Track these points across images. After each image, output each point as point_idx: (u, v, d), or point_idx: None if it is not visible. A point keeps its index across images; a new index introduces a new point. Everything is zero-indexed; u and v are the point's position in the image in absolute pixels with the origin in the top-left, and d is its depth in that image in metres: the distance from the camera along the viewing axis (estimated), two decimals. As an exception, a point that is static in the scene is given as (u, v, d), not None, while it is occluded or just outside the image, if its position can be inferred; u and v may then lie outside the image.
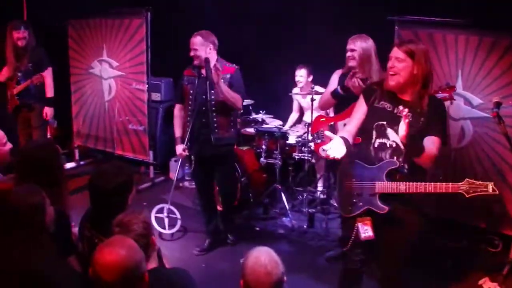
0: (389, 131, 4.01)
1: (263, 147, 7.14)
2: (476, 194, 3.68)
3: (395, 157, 4.00)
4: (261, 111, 7.75)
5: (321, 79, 7.02)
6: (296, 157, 7.00)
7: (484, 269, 5.57)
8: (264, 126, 7.48)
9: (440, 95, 4.95)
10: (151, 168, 8.39)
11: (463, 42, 5.89)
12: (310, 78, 7.41)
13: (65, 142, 9.10)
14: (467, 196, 3.70)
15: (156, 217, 6.45)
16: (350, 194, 4.15)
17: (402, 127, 3.76)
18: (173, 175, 8.37)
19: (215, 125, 5.63)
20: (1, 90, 7.56)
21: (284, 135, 7.21)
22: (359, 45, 5.31)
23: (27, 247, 2.99)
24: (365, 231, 4.06)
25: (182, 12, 8.34)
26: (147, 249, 3.09)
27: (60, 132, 9.27)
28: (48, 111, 7.53)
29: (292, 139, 7.25)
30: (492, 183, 3.68)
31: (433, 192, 3.83)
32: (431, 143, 3.89)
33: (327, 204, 7.01)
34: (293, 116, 8.04)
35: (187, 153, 5.83)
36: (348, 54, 5.39)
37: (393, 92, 4.04)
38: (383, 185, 3.98)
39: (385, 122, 4.04)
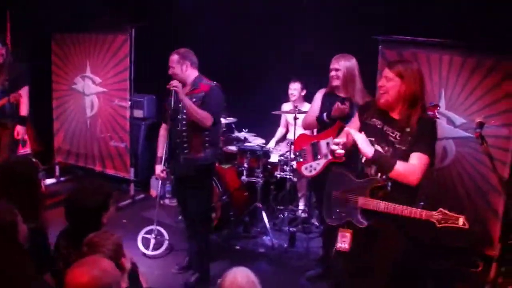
0: (377, 147, 4.03)
1: (245, 165, 7.10)
2: (447, 225, 3.70)
3: (379, 174, 4.03)
4: (243, 129, 7.73)
5: (308, 97, 7.10)
6: (278, 175, 6.99)
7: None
8: (247, 144, 7.45)
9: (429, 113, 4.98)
10: (132, 185, 8.31)
11: (447, 62, 5.92)
12: (303, 93, 7.45)
13: (46, 158, 8.98)
14: (438, 225, 3.72)
15: (143, 238, 6.41)
16: (335, 203, 4.24)
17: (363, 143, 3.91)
18: (154, 192, 8.36)
19: (185, 145, 5.40)
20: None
21: (267, 154, 7.20)
22: (343, 65, 5.32)
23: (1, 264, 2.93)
24: (343, 242, 4.15)
25: (166, 28, 8.34)
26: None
27: (41, 148, 9.19)
28: (20, 130, 7.27)
29: (274, 158, 7.24)
30: (464, 216, 3.69)
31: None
32: (414, 159, 3.89)
33: (308, 223, 7.02)
34: (280, 131, 8.05)
35: (165, 175, 5.78)
36: (332, 73, 5.40)
37: (384, 110, 4.09)
38: (365, 201, 4.02)
39: (373, 139, 4.07)
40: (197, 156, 5.40)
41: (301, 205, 7.36)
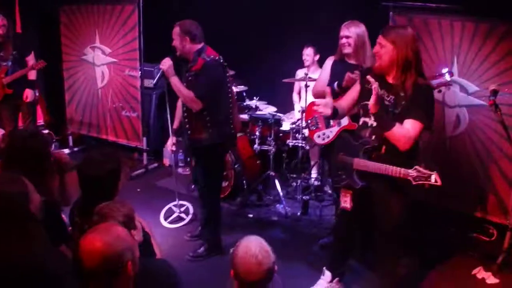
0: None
1: (257, 133, 7.10)
2: (422, 182, 3.74)
3: (373, 136, 4.19)
4: (254, 97, 7.71)
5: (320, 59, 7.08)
6: (290, 144, 6.98)
7: (479, 258, 5.55)
8: (258, 112, 7.44)
9: (436, 81, 4.96)
10: (145, 154, 8.35)
11: (459, 28, 5.84)
12: (317, 57, 7.38)
13: (59, 129, 9.07)
14: (414, 183, 3.77)
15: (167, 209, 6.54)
16: (338, 166, 4.46)
17: (371, 99, 3.97)
18: (167, 161, 8.38)
19: (187, 126, 5.30)
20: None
21: (278, 122, 7.17)
22: (354, 31, 5.24)
23: (14, 236, 2.93)
24: (344, 201, 4.41)
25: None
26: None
27: (54, 119, 9.23)
28: (29, 93, 7.40)
29: (286, 126, 7.23)
30: (436, 173, 3.71)
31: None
32: (407, 124, 3.99)
33: (321, 192, 7.00)
34: (294, 100, 8.02)
35: (174, 148, 5.86)
36: (343, 41, 5.33)
37: (381, 75, 4.19)
38: (358, 162, 4.20)
39: (369, 102, 4.13)
40: (200, 137, 5.27)
41: (314, 173, 7.34)
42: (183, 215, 6.52)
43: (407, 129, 3.97)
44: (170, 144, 5.67)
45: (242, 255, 2.79)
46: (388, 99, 4.12)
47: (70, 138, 9.07)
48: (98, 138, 8.92)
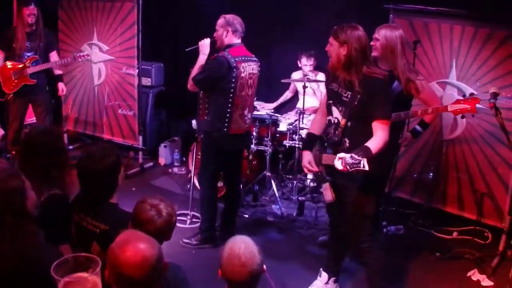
0: (334, 109, 4.35)
1: (254, 133, 7.08)
2: (356, 169, 3.74)
3: (336, 132, 4.29)
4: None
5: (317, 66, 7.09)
6: (287, 144, 6.96)
7: (473, 261, 5.58)
8: (256, 112, 7.43)
9: (460, 105, 4.86)
10: (140, 153, 8.32)
11: (458, 32, 5.87)
12: (315, 64, 7.42)
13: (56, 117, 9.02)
14: (350, 170, 3.75)
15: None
16: (316, 162, 4.54)
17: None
18: (163, 160, 8.37)
19: (197, 109, 5.67)
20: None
21: (275, 122, 7.16)
22: (383, 34, 4.94)
23: (9, 233, 2.91)
24: (326, 195, 4.41)
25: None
26: (162, 239, 3.10)
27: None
28: (63, 86, 7.57)
29: (283, 127, 7.21)
30: (366, 159, 3.73)
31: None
32: (378, 129, 4.08)
33: (317, 193, 6.98)
34: (286, 95, 8.05)
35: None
36: (372, 43, 5.12)
37: (336, 73, 4.32)
38: (324, 157, 4.22)
39: (331, 101, 4.39)
40: (201, 119, 5.59)
41: (310, 175, 7.33)
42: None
43: (380, 135, 4.05)
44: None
45: (227, 256, 2.81)
46: (346, 95, 4.22)
47: (66, 136, 9.03)
48: (94, 136, 8.88)
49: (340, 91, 4.27)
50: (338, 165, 3.77)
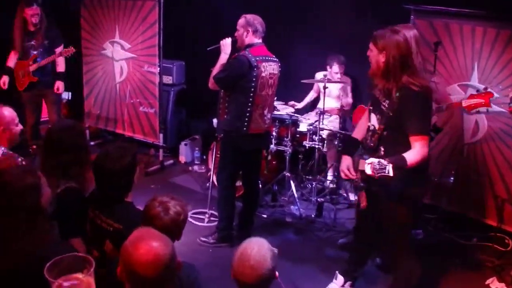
0: (372, 116, 4.29)
1: (274, 134, 7.05)
2: (381, 174, 3.71)
3: (372, 139, 4.24)
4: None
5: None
6: (307, 145, 6.93)
7: (492, 268, 5.51)
8: (276, 112, 7.41)
9: (474, 100, 4.85)
10: (161, 151, 8.34)
11: (480, 34, 5.80)
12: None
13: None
14: (376, 176, 3.72)
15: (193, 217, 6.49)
16: (355, 169, 4.45)
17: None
18: (183, 158, 8.39)
19: (218, 108, 5.72)
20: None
21: (295, 123, 7.14)
22: None
23: (23, 229, 2.94)
24: (360, 201, 4.40)
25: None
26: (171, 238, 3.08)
27: (71, 112, 9.28)
28: (60, 85, 7.56)
29: (303, 127, 7.18)
30: (392, 165, 3.68)
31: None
32: (415, 144, 3.97)
33: (336, 194, 6.97)
34: (311, 95, 7.94)
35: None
36: None
37: (375, 80, 4.22)
38: (361, 163, 4.12)
39: (371, 108, 4.33)
40: (221, 118, 5.62)
41: (330, 176, 7.31)
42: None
43: (418, 149, 3.94)
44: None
45: (239, 256, 2.81)
46: (384, 103, 4.13)
47: (87, 132, 9.09)
48: (115, 133, 8.94)
49: (380, 99, 4.19)
50: (368, 169, 3.74)
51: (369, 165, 3.73)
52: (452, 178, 6.26)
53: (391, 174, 3.68)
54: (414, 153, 3.92)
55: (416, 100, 3.99)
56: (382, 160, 3.71)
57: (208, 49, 5.65)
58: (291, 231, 6.35)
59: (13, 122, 4.46)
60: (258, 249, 2.81)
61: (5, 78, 7.38)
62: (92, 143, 8.84)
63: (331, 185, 7.06)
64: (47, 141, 3.97)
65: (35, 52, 7.31)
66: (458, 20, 5.92)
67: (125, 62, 8.49)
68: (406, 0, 6.17)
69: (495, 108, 5.73)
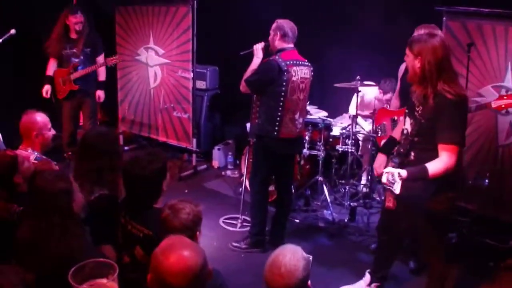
0: (407, 120, 4.27)
1: (307, 138, 7.03)
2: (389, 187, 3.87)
3: (405, 143, 4.22)
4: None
5: (370, 69, 6.99)
6: (340, 149, 6.89)
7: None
8: (308, 116, 7.38)
9: (504, 101, 4.85)
10: (194, 155, 8.37)
11: (514, 34, 5.72)
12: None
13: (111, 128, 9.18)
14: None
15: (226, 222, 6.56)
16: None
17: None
18: (216, 163, 8.42)
19: (250, 112, 5.72)
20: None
21: (328, 127, 7.12)
22: None
23: (55, 233, 2.98)
24: (388, 201, 4.28)
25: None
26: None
27: (106, 117, 9.37)
28: (101, 94, 7.65)
29: (336, 131, 7.16)
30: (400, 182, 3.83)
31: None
32: (443, 153, 3.94)
33: (370, 198, 6.91)
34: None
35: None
36: None
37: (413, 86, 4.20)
38: (389, 165, 4.23)
39: (407, 111, 4.30)
40: (253, 122, 5.64)
41: (363, 180, 7.27)
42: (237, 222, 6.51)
43: (444, 159, 3.91)
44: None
45: (271, 263, 2.75)
46: (418, 109, 4.10)
47: (121, 137, 9.18)
48: (149, 138, 9.01)
49: (415, 103, 4.15)
50: (383, 178, 3.77)
51: (386, 174, 3.81)
52: (486, 181, 6.17)
53: (397, 192, 3.76)
54: (438, 163, 3.91)
55: (448, 107, 3.93)
56: (397, 173, 3.78)
57: (241, 53, 5.70)
58: (324, 236, 6.32)
59: (45, 127, 4.55)
60: (290, 257, 2.74)
61: (48, 87, 7.37)
62: (126, 148, 8.94)
63: (365, 189, 7.02)
64: (82, 146, 4.04)
65: (76, 60, 7.29)
66: (491, 20, 5.85)
67: (159, 67, 8.56)
68: (438, 2, 6.12)
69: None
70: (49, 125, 4.61)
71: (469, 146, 5.99)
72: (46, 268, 2.90)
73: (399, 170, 3.86)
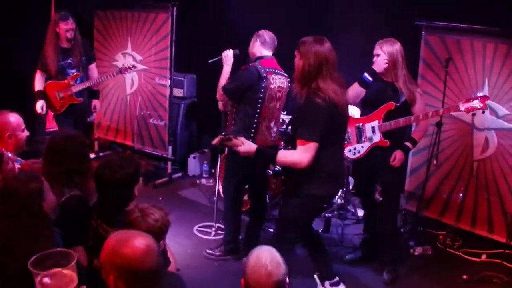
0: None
1: (281, 147, 7.01)
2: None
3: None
4: (282, 112, 7.64)
5: (350, 81, 6.99)
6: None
7: (501, 285, 5.48)
8: (283, 127, 7.38)
9: (470, 104, 4.99)
10: (169, 163, 8.32)
11: (491, 50, 5.79)
12: None
13: (86, 133, 9.05)
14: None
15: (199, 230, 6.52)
16: None
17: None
18: (191, 171, 8.40)
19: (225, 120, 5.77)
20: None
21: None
22: (385, 50, 5.20)
23: (24, 233, 2.93)
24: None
25: (207, 7, 8.36)
26: None
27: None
28: (97, 104, 7.38)
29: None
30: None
31: None
32: (298, 147, 4.21)
33: (344, 210, 6.91)
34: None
35: None
36: (374, 59, 5.30)
37: None
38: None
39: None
40: (229, 129, 5.54)
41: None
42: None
43: (294, 152, 4.25)
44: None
45: (253, 265, 2.74)
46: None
47: (96, 143, 9.10)
48: (124, 145, 8.93)
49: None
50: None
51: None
52: (461, 195, 6.22)
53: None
54: (290, 154, 4.36)
55: (311, 109, 4.17)
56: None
57: (209, 61, 5.71)
58: (298, 246, 6.27)
59: (19, 128, 4.49)
60: (271, 255, 2.78)
61: (42, 103, 6.77)
62: (101, 154, 8.84)
63: (339, 201, 7.01)
64: (49, 149, 3.97)
65: (72, 71, 6.80)
66: (469, 36, 5.93)
67: (136, 74, 8.50)
68: (418, 16, 6.17)
69: (506, 124, 5.73)
70: (23, 126, 4.55)
71: (444, 160, 6.04)
72: (13, 269, 2.85)
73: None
